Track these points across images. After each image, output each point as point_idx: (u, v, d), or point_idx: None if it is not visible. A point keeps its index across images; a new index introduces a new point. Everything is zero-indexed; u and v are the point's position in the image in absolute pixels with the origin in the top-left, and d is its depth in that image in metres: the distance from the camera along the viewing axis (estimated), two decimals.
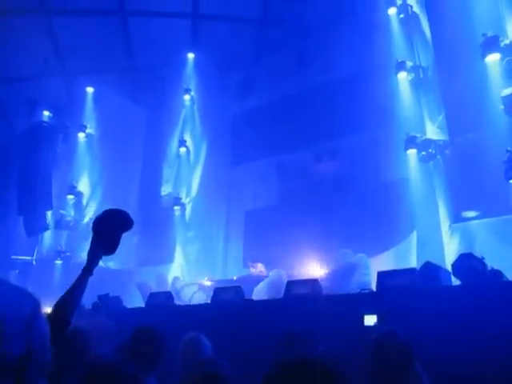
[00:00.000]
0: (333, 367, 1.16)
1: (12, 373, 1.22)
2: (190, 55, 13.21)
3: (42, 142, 12.84)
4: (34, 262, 12.90)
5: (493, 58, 7.59)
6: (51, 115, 13.51)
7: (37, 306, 1.33)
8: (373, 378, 2.44)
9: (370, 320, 4.42)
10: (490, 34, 7.54)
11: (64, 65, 12.58)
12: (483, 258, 4.82)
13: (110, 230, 2.21)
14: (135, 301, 8.80)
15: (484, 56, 7.64)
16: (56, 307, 1.99)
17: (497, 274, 4.73)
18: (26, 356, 1.21)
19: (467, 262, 4.81)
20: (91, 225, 2.24)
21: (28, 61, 11.90)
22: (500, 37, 7.50)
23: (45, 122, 13.27)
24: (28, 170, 12.59)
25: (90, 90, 13.47)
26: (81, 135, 13.38)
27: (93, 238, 2.20)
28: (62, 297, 2.02)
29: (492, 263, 4.86)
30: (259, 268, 10.35)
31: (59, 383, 1.66)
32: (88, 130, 13.42)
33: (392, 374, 2.39)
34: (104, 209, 2.26)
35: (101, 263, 2.17)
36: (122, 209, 2.29)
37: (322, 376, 1.12)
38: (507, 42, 7.45)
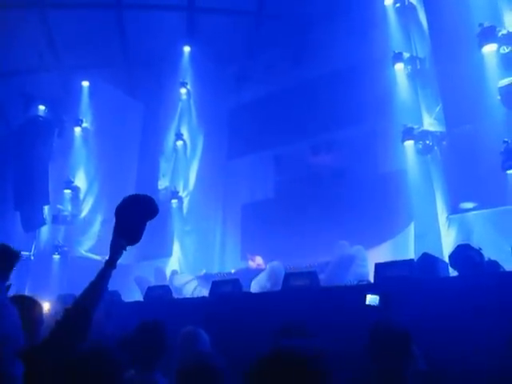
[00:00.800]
0: (313, 361, 1.14)
1: None
2: (186, 48, 13.12)
3: (38, 136, 12.78)
4: (32, 257, 12.87)
5: (490, 49, 7.57)
6: (47, 110, 13.42)
7: (4, 292, 1.36)
8: (371, 362, 2.45)
9: (372, 300, 4.42)
10: (486, 24, 7.51)
11: (60, 59, 12.50)
12: (480, 248, 4.83)
13: (133, 217, 2.13)
14: (134, 295, 8.80)
15: (481, 46, 7.62)
16: (77, 301, 1.97)
17: (494, 264, 4.75)
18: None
19: (464, 253, 4.82)
20: (114, 212, 2.16)
21: (23, 55, 11.83)
22: (497, 27, 7.48)
23: (40, 117, 13.19)
24: (24, 165, 12.54)
25: (85, 83, 13.39)
26: (77, 129, 13.31)
27: (115, 227, 2.13)
28: (84, 291, 2.00)
29: (489, 254, 4.87)
30: (257, 261, 10.38)
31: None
32: (84, 125, 13.35)
33: (389, 358, 2.40)
34: (120, 199, 2.18)
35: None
36: (146, 194, 2.22)
37: (297, 369, 1.11)
38: (504, 32, 7.42)
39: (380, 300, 4.36)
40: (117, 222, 2.12)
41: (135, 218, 2.13)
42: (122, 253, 2.11)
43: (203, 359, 2.11)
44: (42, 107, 13.34)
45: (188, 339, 2.85)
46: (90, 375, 1.62)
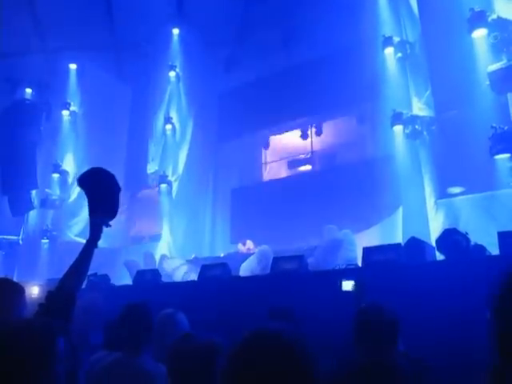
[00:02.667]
0: (288, 341, 1.14)
1: None
2: (175, 31, 12.97)
3: (25, 120, 12.62)
4: (21, 242, 12.82)
5: (480, 34, 7.56)
6: (34, 93, 13.27)
7: None
8: (357, 347, 2.47)
9: (348, 285, 4.47)
10: (477, 8, 7.49)
11: (46, 41, 12.30)
12: (467, 233, 4.88)
13: (100, 190, 2.11)
14: (123, 279, 8.81)
15: (471, 31, 7.61)
16: (61, 282, 1.96)
17: (480, 248, 4.80)
18: None
19: (451, 238, 4.86)
20: (77, 183, 2.13)
21: (8, 37, 11.60)
22: (487, 12, 7.46)
23: (27, 100, 13.04)
24: (11, 148, 12.40)
25: (73, 66, 13.22)
26: (65, 113, 13.19)
27: (88, 203, 2.11)
28: (67, 271, 1.99)
29: (476, 238, 4.92)
30: (248, 245, 10.42)
31: None
32: (72, 108, 13.22)
33: (377, 345, 2.41)
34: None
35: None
36: (102, 168, 2.17)
37: (272, 350, 1.12)
38: (494, 16, 7.41)
39: (355, 285, 4.39)
40: (88, 197, 2.10)
41: (103, 190, 2.10)
42: (102, 229, 2.08)
43: (196, 340, 2.11)
44: (28, 90, 13.18)
45: (164, 323, 2.85)
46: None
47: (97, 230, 2.07)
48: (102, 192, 2.12)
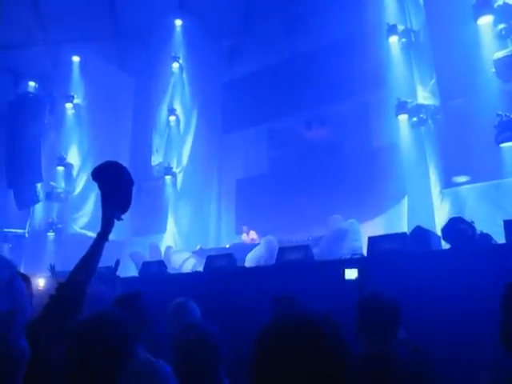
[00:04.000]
0: (324, 321, 1.14)
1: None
2: (178, 21, 12.91)
3: (29, 113, 12.65)
4: (27, 235, 12.89)
5: (485, 20, 7.47)
6: (37, 86, 13.28)
7: (14, 267, 1.35)
8: (358, 336, 2.46)
9: (351, 274, 4.46)
10: None
11: (48, 33, 12.27)
12: (472, 221, 4.85)
13: (115, 183, 2.10)
14: (129, 271, 8.83)
15: (476, 18, 7.52)
16: (71, 274, 1.96)
17: (486, 237, 4.77)
18: (11, 310, 1.23)
19: (457, 226, 4.84)
20: (91, 177, 2.14)
21: (10, 29, 11.58)
22: None
23: (31, 93, 13.06)
24: (16, 142, 12.43)
25: (76, 59, 13.20)
26: (68, 105, 13.18)
27: (101, 196, 2.11)
28: (78, 263, 1.99)
29: (482, 227, 4.89)
30: (251, 235, 10.44)
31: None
32: (75, 100, 13.22)
33: (378, 334, 2.41)
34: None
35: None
36: (115, 161, 2.18)
37: (313, 330, 1.11)
38: (500, 2, 7.31)
39: (358, 273, 4.38)
40: (102, 191, 2.10)
41: (117, 183, 2.12)
42: (113, 222, 2.08)
43: (197, 330, 2.12)
44: (32, 83, 13.18)
45: (178, 311, 2.84)
46: (95, 340, 1.61)
47: (108, 223, 2.07)
48: (115, 185, 2.12)
